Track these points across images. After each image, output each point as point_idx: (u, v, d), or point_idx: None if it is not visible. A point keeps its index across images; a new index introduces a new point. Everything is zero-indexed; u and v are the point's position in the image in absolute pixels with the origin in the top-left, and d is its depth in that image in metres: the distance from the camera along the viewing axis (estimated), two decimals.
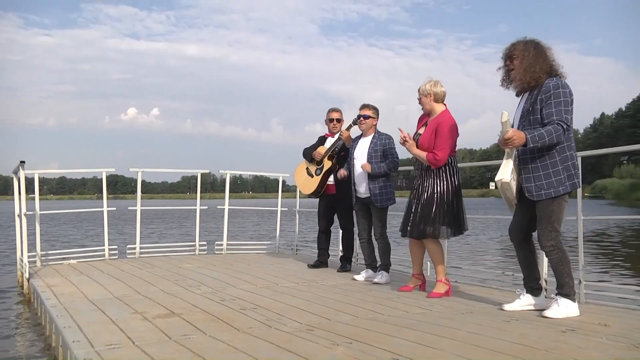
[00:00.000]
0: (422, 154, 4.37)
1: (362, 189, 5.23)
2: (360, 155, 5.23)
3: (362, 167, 5.14)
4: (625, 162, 73.92)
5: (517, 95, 3.72)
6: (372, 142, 5.22)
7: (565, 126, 3.39)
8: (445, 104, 4.51)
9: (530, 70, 3.51)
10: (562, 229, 3.58)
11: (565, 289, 3.53)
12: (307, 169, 6.03)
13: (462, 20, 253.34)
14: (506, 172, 3.55)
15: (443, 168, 4.37)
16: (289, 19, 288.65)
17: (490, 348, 2.73)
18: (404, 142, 4.45)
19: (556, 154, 3.49)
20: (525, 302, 3.75)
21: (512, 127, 3.54)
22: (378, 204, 5.15)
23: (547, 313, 3.49)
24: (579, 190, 3.94)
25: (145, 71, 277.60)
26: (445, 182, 4.36)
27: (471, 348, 2.74)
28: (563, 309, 3.49)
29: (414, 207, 4.45)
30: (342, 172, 5.48)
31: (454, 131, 4.37)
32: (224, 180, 7.91)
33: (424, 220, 4.36)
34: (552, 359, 2.58)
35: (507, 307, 3.76)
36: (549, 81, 3.48)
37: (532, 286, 3.77)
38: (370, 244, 5.42)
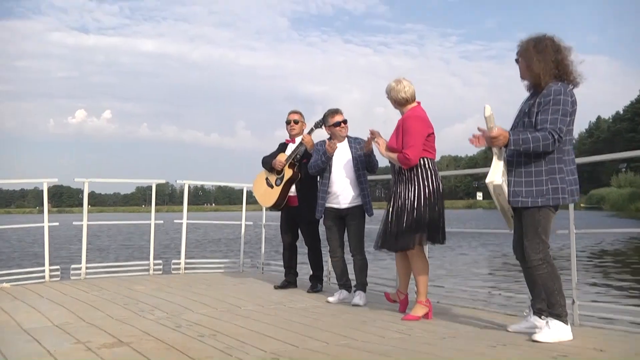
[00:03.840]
0: (393, 155, 4.46)
1: (343, 198, 5.26)
2: (342, 160, 5.27)
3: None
4: (623, 169, 75.41)
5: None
6: (351, 146, 5.32)
7: (557, 136, 3.46)
8: (418, 102, 4.56)
9: (531, 70, 3.61)
10: (553, 244, 3.63)
11: (556, 309, 3.56)
12: (267, 179, 6.03)
13: (446, 14, 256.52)
14: (496, 173, 3.60)
15: (415, 171, 4.40)
16: (256, 12, 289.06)
17: None
18: (371, 142, 4.55)
19: (543, 163, 3.56)
20: (531, 324, 3.77)
21: (509, 126, 3.63)
22: (370, 212, 5.26)
23: (536, 337, 3.51)
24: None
25: (95, 69, 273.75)
26: (418, 187, 4.39)
27: None
28: (554, 332, 3.51)
29: (388, 216, 4.50)
30: (332, 145, 5.21)
31: (421, 126, 4.40)
32: (183, 192, 7.86)
33: (397, 231, 4.40)
34: None
35: (512, 328, 3.83)
36: (552, 85, 3.55)
37: (540, 308, 3.79)
38: (344, 262, 5.43)
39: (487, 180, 3.62)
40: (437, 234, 4.42)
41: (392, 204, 4.50)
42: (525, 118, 3.62)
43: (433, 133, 4.48)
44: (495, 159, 3.64)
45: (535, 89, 3.65)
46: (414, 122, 4.40)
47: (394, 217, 4.44)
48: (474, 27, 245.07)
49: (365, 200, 5.25)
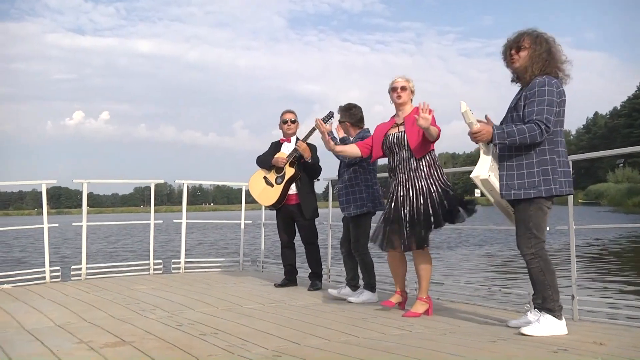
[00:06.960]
0: (433, 128, 4.25)
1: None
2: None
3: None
4: (621, 165, 75.49)
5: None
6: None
7: (543, 126, 3.45)
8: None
9: (535, 66, 3.58)
10: (552, 241, 3.65)
11: (548, 303, 3.55)
12: (265, 177, 6.03)
13: (444, 12, 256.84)
14: (483, 168, 3.62)
15: (433, 166, 4.40)
16: (253, 12, 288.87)
17: None
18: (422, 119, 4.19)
19: (534, 154, 3.56)
20: (532, 319, 3.75)
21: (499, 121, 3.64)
22: (345, 212, 5.24)
23: (524, 330, 3.51)
24: (570, 197, 4.00)
25: (92, 71, 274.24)
26: (439, 181, 4.38)
27: None
28: (544, 326, 3.50)
29: (406, 215, 4.36)
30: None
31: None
32: (181, 192, 7.87)
33: (424, 227, 4.29)
34: None
35: (513, 323, 3.84)
36: (537, 78, 3.55)
37: (540, 302, 3.80)
38: (351, 258, 5.41)
39: (472, 175, 3.64)
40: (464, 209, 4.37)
41: (406, 201, 4.38)
42: (513, 112, 3.64)
43: None
44: (482, 154, 3.66)
45: (524, 81, 3.66)
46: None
47: (417, 214, 4.31)
48: (472, 24, 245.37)
49: (341, 200, 5.29)
